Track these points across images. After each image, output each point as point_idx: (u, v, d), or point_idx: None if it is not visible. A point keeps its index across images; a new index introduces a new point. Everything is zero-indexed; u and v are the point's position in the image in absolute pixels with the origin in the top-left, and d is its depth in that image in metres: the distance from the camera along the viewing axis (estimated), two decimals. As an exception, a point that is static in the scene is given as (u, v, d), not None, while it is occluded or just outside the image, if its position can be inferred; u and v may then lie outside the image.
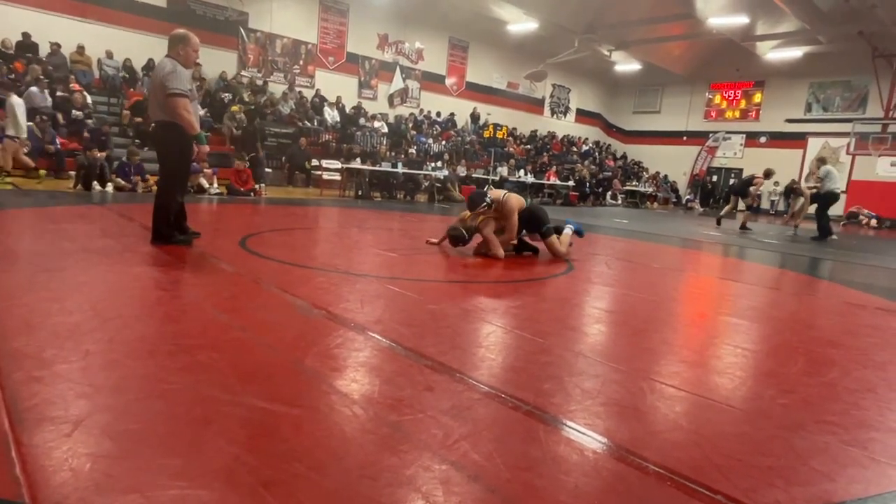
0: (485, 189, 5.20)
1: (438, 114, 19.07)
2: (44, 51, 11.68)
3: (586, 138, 24.63)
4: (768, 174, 11.37)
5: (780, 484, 1.51)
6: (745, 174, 22.89)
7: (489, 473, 1.43)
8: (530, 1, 16.01)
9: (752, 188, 11.24)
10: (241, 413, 1.66)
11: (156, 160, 4.50)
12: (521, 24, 17.55)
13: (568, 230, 5.25)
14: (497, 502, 1.32)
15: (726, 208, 12.06)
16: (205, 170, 9.78)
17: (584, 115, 25.64)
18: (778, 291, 4.83)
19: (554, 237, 5.01)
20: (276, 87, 15.33)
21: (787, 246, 8.99)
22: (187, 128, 4.04)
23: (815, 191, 10.39)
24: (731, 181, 23.51)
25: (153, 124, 4.32)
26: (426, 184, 14.49)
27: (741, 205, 12.43)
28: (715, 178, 24.14)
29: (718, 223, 11.77)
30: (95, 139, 9.27)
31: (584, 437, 1.69)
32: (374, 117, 16.47)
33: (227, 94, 13.62)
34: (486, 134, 19.95)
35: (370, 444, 1.53)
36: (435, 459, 1.48)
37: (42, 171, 9.24)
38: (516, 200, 4.72)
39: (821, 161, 10.72)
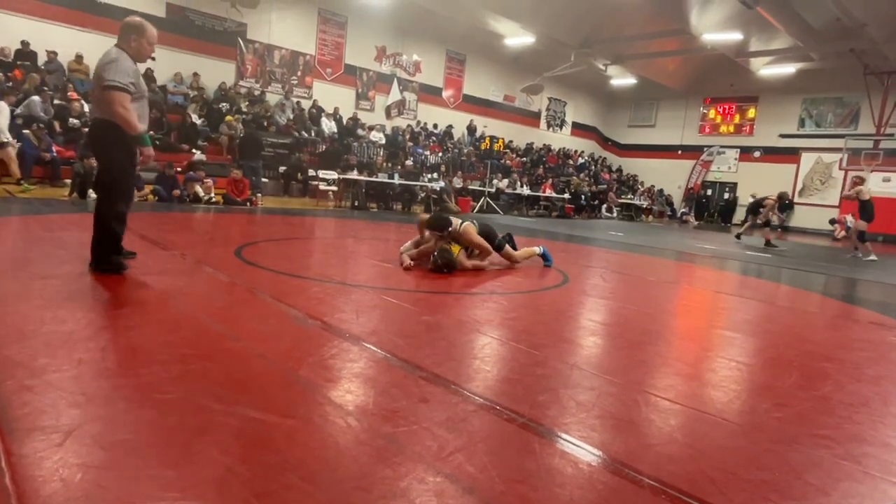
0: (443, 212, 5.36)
1: (435, 125, 19.17)
2: (41, 59, 11.70)
3: (582, 151, 24.78)
4: (781, 197, 12.33)
5: (775, 498, 1.51)
6: (739, 188, 23.15)
7: (484, 486, 1.43)
8: (527, 15, 16.17)
9: (762, 208, 12.08)
10: (234, 423, 1.65)
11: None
12: (518, 38, 17.72)
13: (536, 249, 5.52)
14: (491, 515, 1.32)
15: (745, 226, 13.01)
16: (204, 179, 9.78)
17: (579, 129, 25.82)
18: (772, 305, 4.84)
19: (507, 247, 5.21)
20: (274, 98, 15.40)
21: (780, 260, 9.03)
22: (125, 127, 3.45)
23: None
24: (726, 195, 23.76)
25: (90, 123, 3.71)
26: (422, 195, 14.52)
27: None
28: (709, 191, 24.31)
29: (738, 237, 12.63)
30: (87, 148, 9.22)
31: (579, 449, 1.69)
32: (371, 128, 16.54)
33: (224, 104, 13.66)
34: (483, 146, 20.06)
35: (364, 456, 1.53)
36: (429, 471, 1.47)
37: (27, 185, 8.76)
38: (472, 227, 4.92)
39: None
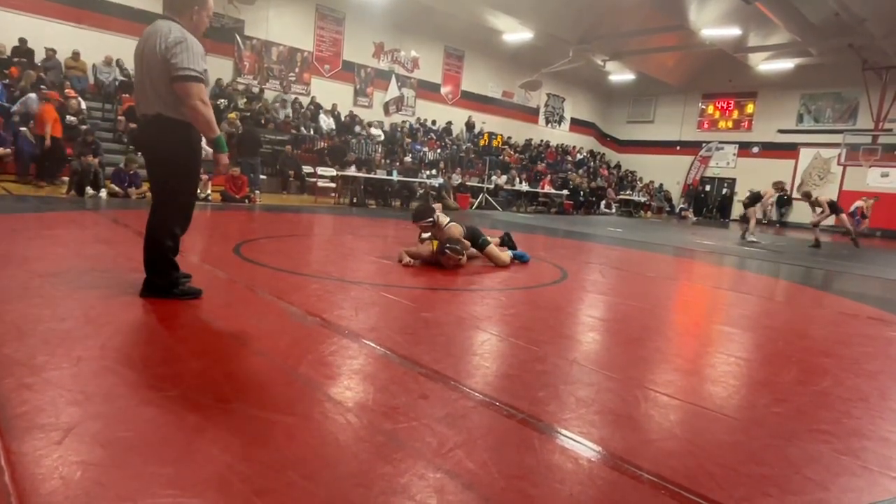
0: (433, 206, 5.23)
1: (434, 122, 19.14)
2: (38, 56, 11.65)
3: (580, 147, 24.75)
4: (777, 186, 11.90)
5: (775, 493, 1.51)
6: (738, 184, 23.13)
7: (483, 482, 1.43)
8: (526, 11, 16.13)
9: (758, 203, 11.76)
10: (233, 421, 1.65)
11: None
12: (517, 34, 17.68)
13: (509, 252, 5.32)
14: (491, 511, 1.32)
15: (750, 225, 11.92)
16: (201, 175, 9.73)
17: (578, 125, 25.79)
18: (771, 300, 4.85)
19: (491, 246, 5.05)
20: (272, 95, 15.35)
21: (778, 255, 9.04)
22: (203, 128, 2.77)
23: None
24: (724, 191, 23.77)
25: (141, 118, 2.88)
26: (421, 192, 14.50)
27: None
28: (708, 187, 24.31)
29: (743, 238, 11.54)
30: (84, 146, 9.17)
31: (579, 445, 1.69)
32: (370, 125, 16.51)
33: (222, 101, 13.62)
34: (482, 142, 20.03)
35: (364, 453, 1.53)
36: (429, 468, 1.47)
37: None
38: (457, 230, 4.84)
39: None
